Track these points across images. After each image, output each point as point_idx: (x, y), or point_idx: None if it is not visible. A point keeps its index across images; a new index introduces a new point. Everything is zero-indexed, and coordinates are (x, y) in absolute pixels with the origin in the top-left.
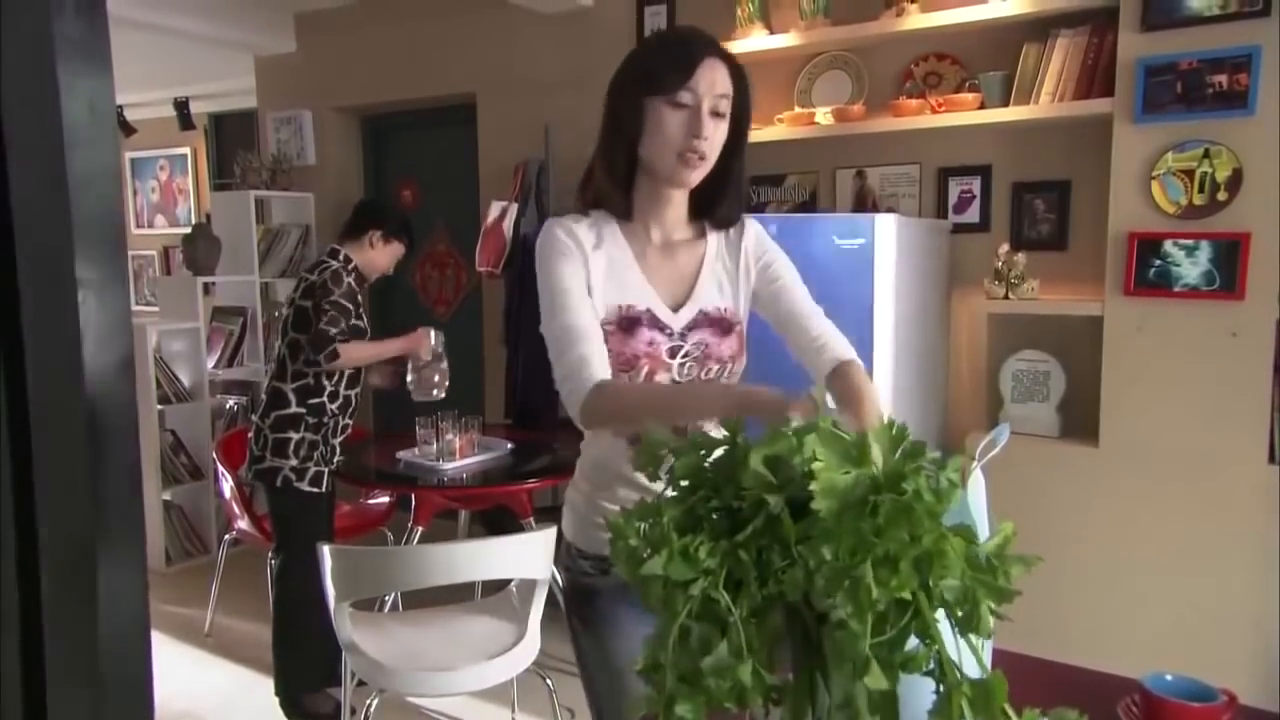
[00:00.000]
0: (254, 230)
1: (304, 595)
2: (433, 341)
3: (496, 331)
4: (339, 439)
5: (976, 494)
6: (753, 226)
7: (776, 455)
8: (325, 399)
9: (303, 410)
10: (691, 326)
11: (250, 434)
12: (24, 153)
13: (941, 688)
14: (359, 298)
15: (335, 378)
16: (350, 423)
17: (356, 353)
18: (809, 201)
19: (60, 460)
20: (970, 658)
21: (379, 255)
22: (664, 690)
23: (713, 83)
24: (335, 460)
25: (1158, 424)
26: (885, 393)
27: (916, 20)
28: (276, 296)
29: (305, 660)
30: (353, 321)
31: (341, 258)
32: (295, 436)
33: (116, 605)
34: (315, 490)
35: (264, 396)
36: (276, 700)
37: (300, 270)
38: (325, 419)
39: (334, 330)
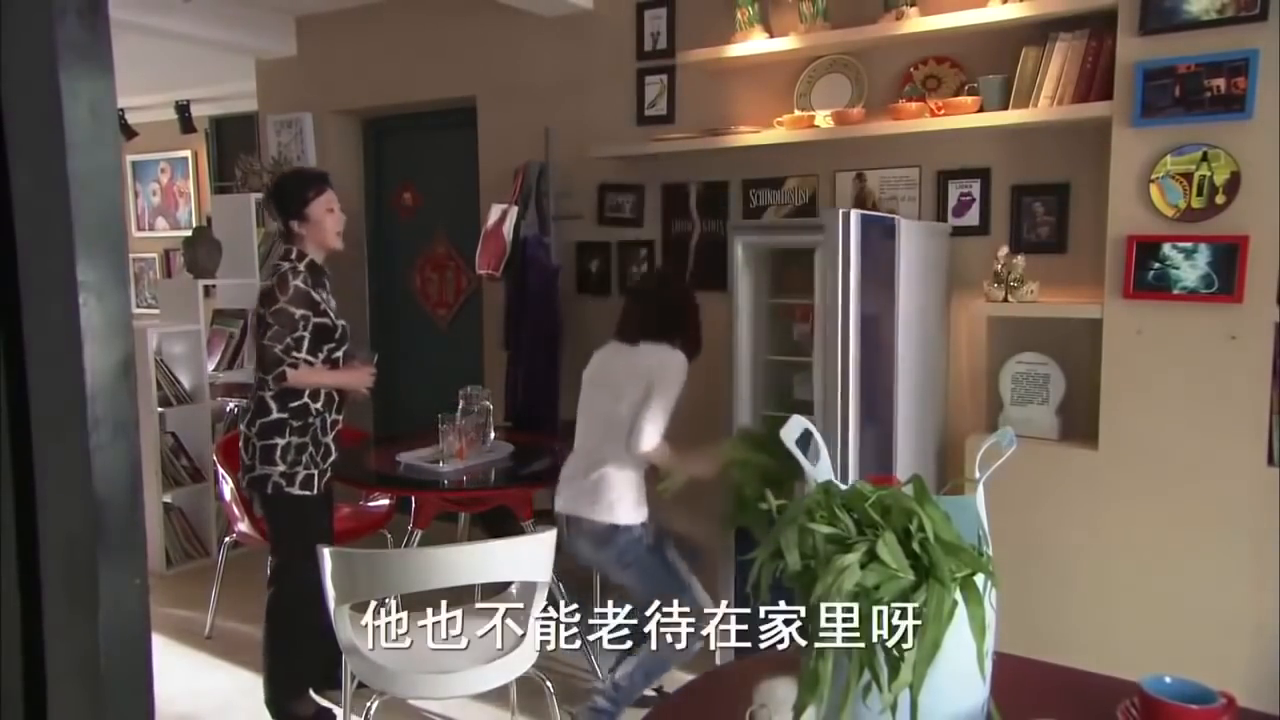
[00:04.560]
0: (254, 233)
1: (295, 599)
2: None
3: (496, 334)
4: (330, 436)
5: (978, 503)
6: None
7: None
8: (307, 399)
9: (285, 415)
10: None
11: (240, 443)
12: (26, 155)
13: None
14: (316, 296)
15: None
16: (340, 417)
17: (307, 378)
18: (808, 204)
19: (60, 460)
20: None
21: (302, 241)
22: None
23: None
24: (329, 459)
25: (1157, 426)
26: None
27: (916, 24)
28: None
29: (290, 664)
30: (298, 333)
31: (294, 255)
32: (281, 442)
33: (116, 606)
34: (306, 493)
35: (250, 405)
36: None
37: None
38: (311, 419)
39: (278, 347)
